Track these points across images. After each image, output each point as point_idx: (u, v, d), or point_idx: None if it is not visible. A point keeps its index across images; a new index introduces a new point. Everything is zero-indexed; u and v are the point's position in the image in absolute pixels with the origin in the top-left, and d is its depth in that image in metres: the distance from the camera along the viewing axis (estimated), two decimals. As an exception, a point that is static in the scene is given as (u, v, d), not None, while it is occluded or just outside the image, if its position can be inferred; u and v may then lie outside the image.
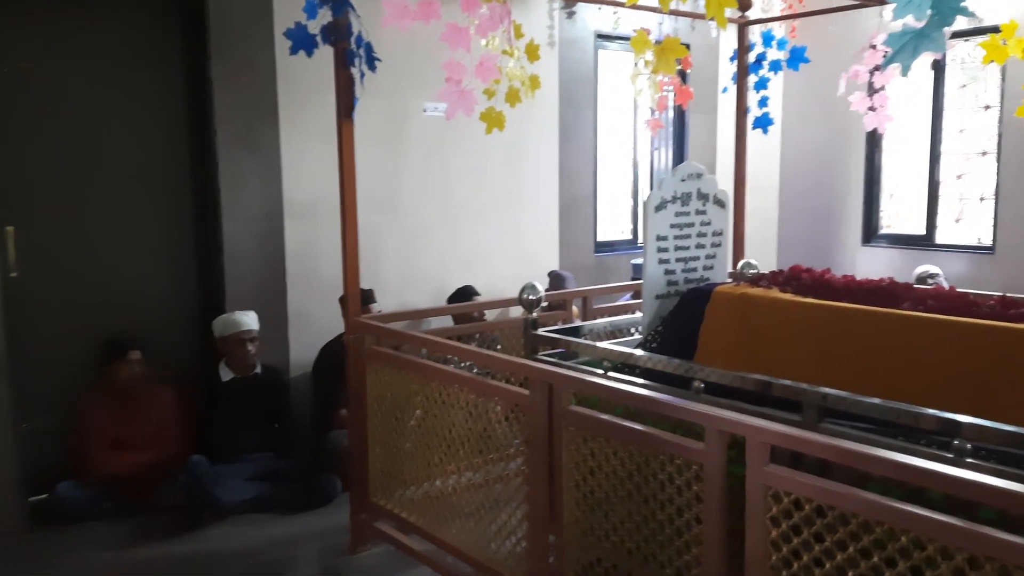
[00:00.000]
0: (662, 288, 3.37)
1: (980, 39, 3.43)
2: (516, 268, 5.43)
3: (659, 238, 3.37)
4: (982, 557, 1.53)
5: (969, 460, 1.97)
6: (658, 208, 3.37)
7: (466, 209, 5.34)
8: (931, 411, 2.07)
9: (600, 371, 2.94)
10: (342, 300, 3.77)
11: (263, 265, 4.60)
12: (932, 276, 5.81)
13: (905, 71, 1.57)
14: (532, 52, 3.21)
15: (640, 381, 2.83)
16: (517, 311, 3.83)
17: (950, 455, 2.00)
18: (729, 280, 3.49)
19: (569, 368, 2.82)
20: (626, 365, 2.91)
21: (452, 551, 3.07)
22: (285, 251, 4.66)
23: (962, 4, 1.47)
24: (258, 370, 4.45)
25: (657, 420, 2.33)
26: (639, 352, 2.91)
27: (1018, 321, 2.36)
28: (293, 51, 3.18)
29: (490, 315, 4.98)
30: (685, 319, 3.13)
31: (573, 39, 5.84)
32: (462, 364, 3.37)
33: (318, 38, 3.16)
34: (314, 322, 4.68)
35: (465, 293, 5.03)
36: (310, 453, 4.46)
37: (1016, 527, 1.55)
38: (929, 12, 1.47)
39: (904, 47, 1.53)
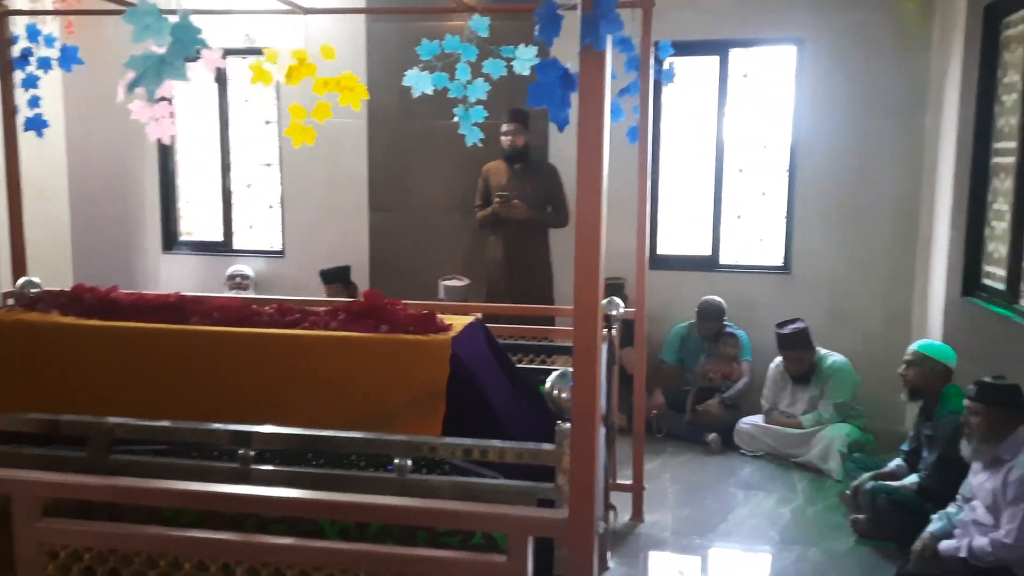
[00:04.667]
0: (-91, 322, 2.77)
1: (255, 59, 3.53)
2: None
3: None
4: (259, 565, 1.62)
5: (255, 467, 2.09)
6: None
7: None
8: (219, 426, 2.13)
9: None
10: None
11: None
12: (245, 277, 6.13)
13: (151, 96, 1.55)
14: None
15: None
16: None
17: (237, 465, 2.08)
18: (9, 303, 3.05)
19: None
20: None
21: None
22: None
23: (199, 36, 1.51)
24: None
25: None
26: None
27: (293, 326, 2.60)
28: None
29: None
30: (-57, 357, 2.63)
31: None
32: None
33: None
34: None
35: None
36: None
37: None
38: (170, 39, 1.48)
39: (147, 72, 1.51)
